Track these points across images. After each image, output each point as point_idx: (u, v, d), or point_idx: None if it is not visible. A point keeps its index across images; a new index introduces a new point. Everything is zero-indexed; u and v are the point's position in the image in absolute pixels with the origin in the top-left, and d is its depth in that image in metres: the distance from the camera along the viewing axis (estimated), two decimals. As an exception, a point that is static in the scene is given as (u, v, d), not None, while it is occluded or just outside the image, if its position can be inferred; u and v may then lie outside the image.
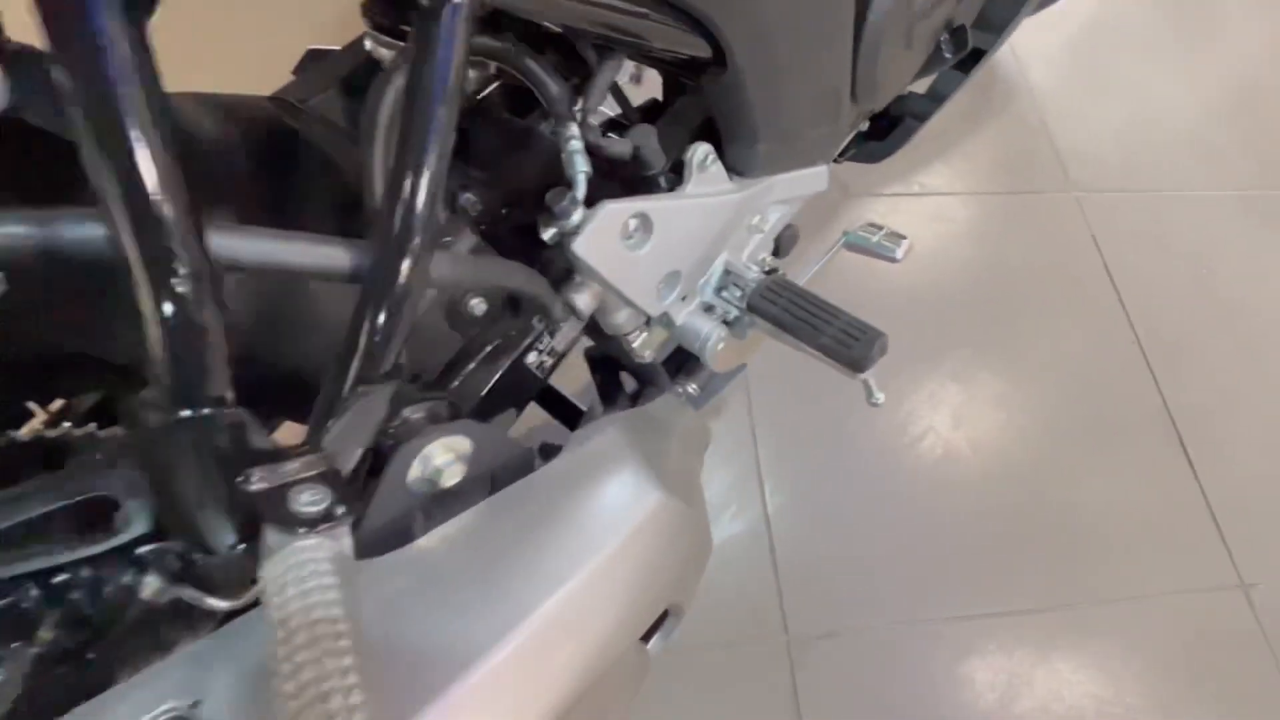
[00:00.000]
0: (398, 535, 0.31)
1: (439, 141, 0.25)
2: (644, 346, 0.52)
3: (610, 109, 0.63)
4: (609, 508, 0.35)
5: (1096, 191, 1.29)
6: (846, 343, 0.45)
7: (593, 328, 0.50)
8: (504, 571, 0.31)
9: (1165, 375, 1.11)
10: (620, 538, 0.34)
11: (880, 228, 0.60)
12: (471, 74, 0.44)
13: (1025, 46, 1.44)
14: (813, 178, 0.56)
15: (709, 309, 0.54)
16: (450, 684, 0.26)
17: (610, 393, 0.63)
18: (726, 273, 0.54)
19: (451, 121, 0.26)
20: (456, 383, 0.44)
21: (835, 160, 0.91)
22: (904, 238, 0.59)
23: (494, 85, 0.51)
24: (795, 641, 0.87)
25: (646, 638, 0.39)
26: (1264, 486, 1.06)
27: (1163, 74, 1.46)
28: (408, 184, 0.25)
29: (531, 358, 0.47)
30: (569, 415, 0.68)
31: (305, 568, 0.22)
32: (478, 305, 0.43)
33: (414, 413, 0.31)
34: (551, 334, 0.47)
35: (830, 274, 1.08)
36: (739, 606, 0.89)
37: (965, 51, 0.63)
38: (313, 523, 0.23)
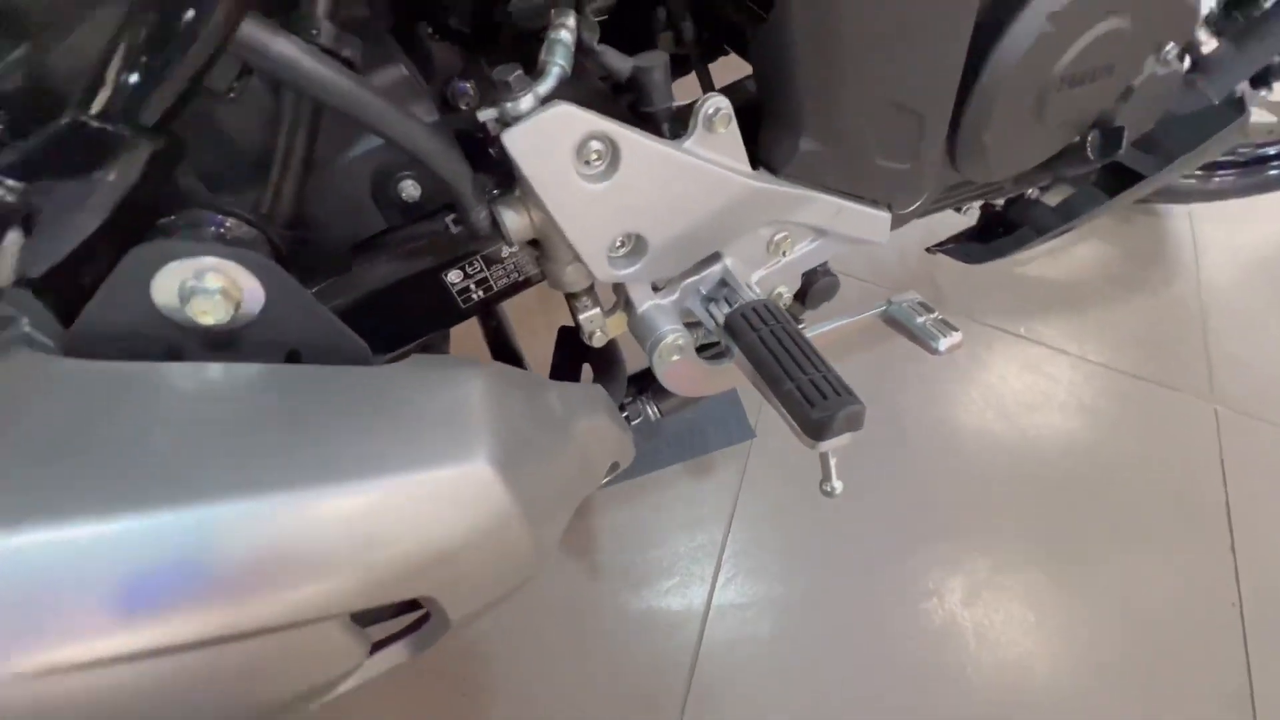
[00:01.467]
0: (131, 352, 0.25)
1: None
2: (592, 324, 0.44)
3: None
4: (411, 440, 0.27)
5: (1241, 413, 1.07)
6: (812, 398, 0.35)
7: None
8: (218, 436, 0.24)
9: (1261, 658, 0.87)
10: (397, 474, 0.26)
11: (931, 310, 0.49)
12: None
13: (1208, 232, 1.27)
14: (867, 219, 0.47)
15: (687, 315, 0.46)
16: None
17: (560, 377, 0.55)
18: (722, 283, 0.45)
19: None
20: (356, 267, 0.38)
21: (929, 251, 0.80)
22: (956, 331, 0.48)
23: None
24: (680, 764, 0.73)
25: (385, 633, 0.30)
26: None
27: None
28: None
29: (454, 276, 0.40)
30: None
31: None
32: (410, 188, 0.37)
33: (198, 220, 0.25)
34: (493, 260, 0.41)
35: (884, 366, 0.96)
36: (634, 693, 0.76)
37: (1113, 155, 0.52)
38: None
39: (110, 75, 0.20)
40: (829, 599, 0.83)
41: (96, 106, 0.21)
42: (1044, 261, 1.22)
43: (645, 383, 0.57)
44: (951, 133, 0.46)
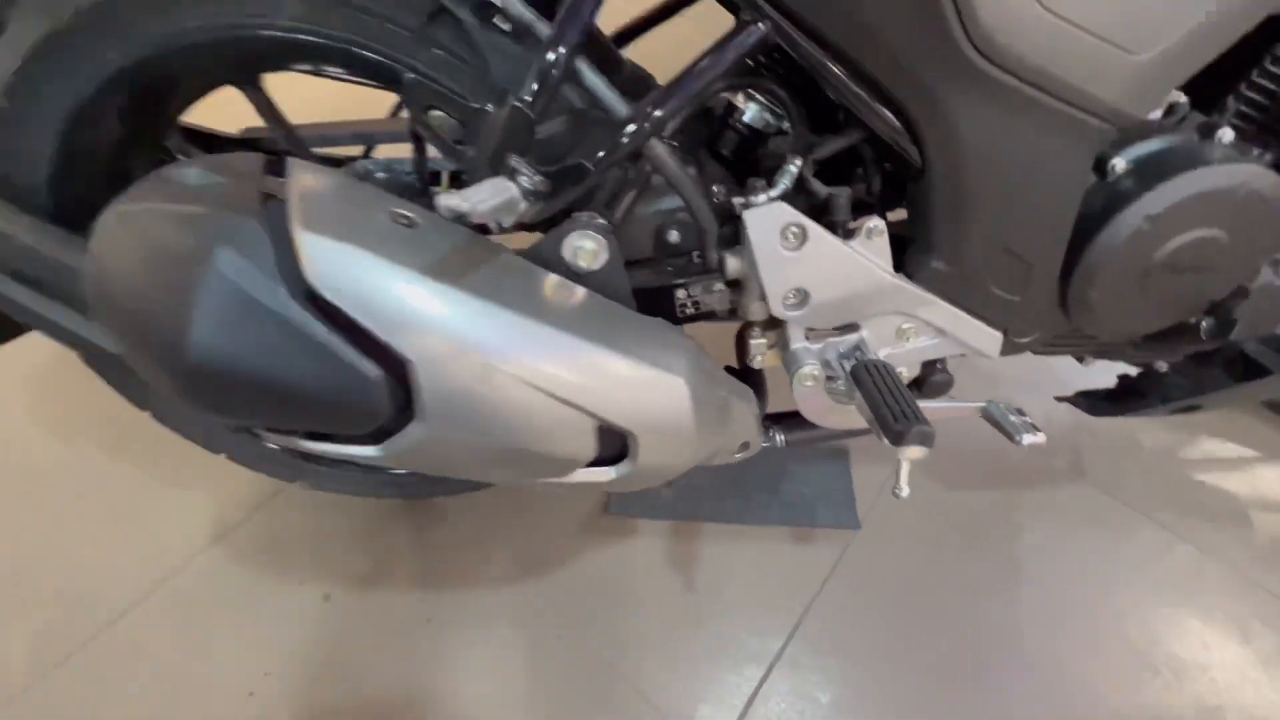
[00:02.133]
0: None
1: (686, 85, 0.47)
2: (757, 350, 0.64)
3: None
4: (653, 351, 0.50)
5: None
6: (897, 417, 0.51)
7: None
8: (554, 310, 0.48)
9: None
10: (645, 363, 0.49)
11: (1023, 414, 0.62)
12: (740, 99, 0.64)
13: None
14: (980, 333, 0.62)
15: (825, 364, 0.64)
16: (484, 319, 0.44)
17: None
18: (856, 347, 0.63)
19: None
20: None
21: (1057, 399, 0.89)
22: (1039, 432, 0.60)
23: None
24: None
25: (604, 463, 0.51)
26: None
27: None
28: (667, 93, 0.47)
29: (681, 293, 0.63)
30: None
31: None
32: (674, 235, 0.62)
33: (591, 218, 0.51)
34: (706, 290, 0.63)
35: (1020, 518, 0.97)
36: (688, 705, 0.85)
37: (1223, 341, 0.62)
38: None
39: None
40: (891, 707, 0.85)
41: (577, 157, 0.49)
42: (1217, 468, 1.16)
43: (780, 418, 0.75)
44: (1064, 283, 0.61)
